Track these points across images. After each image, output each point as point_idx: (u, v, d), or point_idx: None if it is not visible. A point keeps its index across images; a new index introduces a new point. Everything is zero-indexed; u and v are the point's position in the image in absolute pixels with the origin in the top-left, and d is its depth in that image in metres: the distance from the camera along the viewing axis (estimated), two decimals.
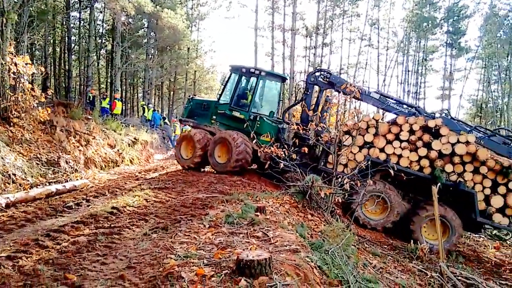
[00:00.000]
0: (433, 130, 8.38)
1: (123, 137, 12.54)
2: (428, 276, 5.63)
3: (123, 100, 26.66)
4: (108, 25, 29.94)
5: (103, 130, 11.56)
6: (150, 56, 27.82)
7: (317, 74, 9.83)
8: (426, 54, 35.53)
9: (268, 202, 6.24)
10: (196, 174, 9.40)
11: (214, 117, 10.59)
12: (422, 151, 8.35)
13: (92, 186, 7.78)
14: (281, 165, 6.82)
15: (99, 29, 29.96)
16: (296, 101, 10.64)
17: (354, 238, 6.84)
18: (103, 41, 30.58)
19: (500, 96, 30.66)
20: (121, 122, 14.87)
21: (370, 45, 36.13)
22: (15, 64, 8.39)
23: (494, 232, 10.40)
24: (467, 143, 8.00)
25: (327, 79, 9.65)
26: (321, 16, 33.30)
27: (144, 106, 22.51)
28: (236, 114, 10.17)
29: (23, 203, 6.01)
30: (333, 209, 7.09)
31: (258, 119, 9.98)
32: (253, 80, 10.39)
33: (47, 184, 7.24)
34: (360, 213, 8.50)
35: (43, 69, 10.71)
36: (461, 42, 34.30)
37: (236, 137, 9.55)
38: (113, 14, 20.40)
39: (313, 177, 6.49)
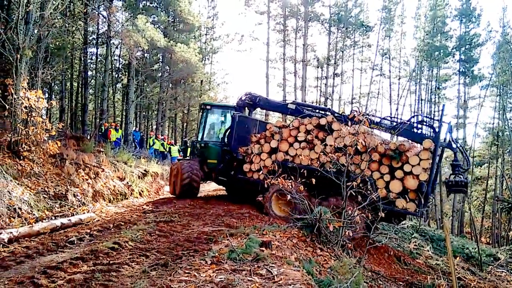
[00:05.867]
0: (326, 127, 8.85)
1: (133, 169, 12.53)
2: None
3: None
4: (124, 60, 30.79)
5: (113, 163, 11.58)
6: (164, 89, 28.37)
7: (244, 97, 10.73)
8: (439, 83, 35.25)
9: (275, 236, 6.03)
10: (204, 207, 9.26)
11: (195, 152, 11.96)
12: (319, 148, 8.84)
13: (98, 220, 7.68)
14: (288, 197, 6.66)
15: (116, 63, 30.85)
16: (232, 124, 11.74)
17: (367, 274, 6.53)
18: (119, 75, 31.40)
19: None
20: (132, 154, 14.96)
21: (382, 74, 36.12)
22: (28, 99, 8.56)
23: None
24: (357, 133, 8.12)
25: (251, 101, 10.64)
26: (332, 47, 33.71)
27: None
28: (197, 145, 11.76)
29: (26, 238, 5.93)
30: (344, 243, 6.80)
31: (206, 146, 11.25)
32: (204, 114, 11.99)
33: (53, 218, 7.17)
34: (269, 207, 8.99)
35: (54, 103, 10.96)
36: (474, 70, 33.94)
37: (184, 164, 10.78)
38: (128, 49, 20.98)
39: (321, 210, 6.28)
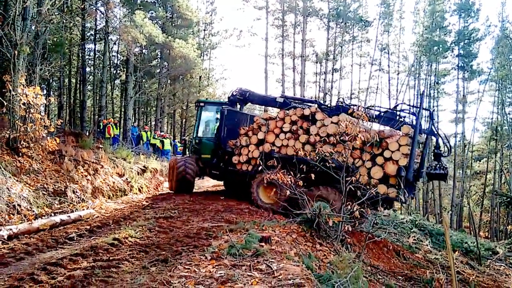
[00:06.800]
0: (310, 118, 9.06)
1: (133, 166, 12.52)
2: None
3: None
4: (123, 56, 30.67)
5: (112, 159, 11.56)
6: (162, 85, 28.30)
7: (235, 92, 11.11)
8: (438, 78, 35.22)
9: (275, 231, 6.04)
10: (203, 203, 9.27)
11: (192, 148, 12.13)
12: (303, 138, 9.04)
13: (98, 216, 7.68)
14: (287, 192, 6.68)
15: (114, 60, 30.74)
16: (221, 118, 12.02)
17: (366, 269, 6.55)
18: (118, 71, 31.31)
19: None
20: (131, 150, 14.94)
21: (381, 69, 36.08)
22: (26, 95, 8.52)
23: None
24: (338, 122, 8.29)
25: (241, 95, 10.99)
26: (331, 43, 33.61)
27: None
28: (193, 141, 11.95)
29: (26, 235, 5.92)
30: (343, 237, 6.82)
31: (200, 142, 11.48)
32: (199, 111, 12.07)
33: (52, 214, 7.17)
34: (256, 196, 9.34)
35: (52, 99, 10.95)
36: (473, 65, 33.91)
37: (179, 159, 11.11)
38: (126, 45, 20.93)
39: (320, 205, 6.28)
